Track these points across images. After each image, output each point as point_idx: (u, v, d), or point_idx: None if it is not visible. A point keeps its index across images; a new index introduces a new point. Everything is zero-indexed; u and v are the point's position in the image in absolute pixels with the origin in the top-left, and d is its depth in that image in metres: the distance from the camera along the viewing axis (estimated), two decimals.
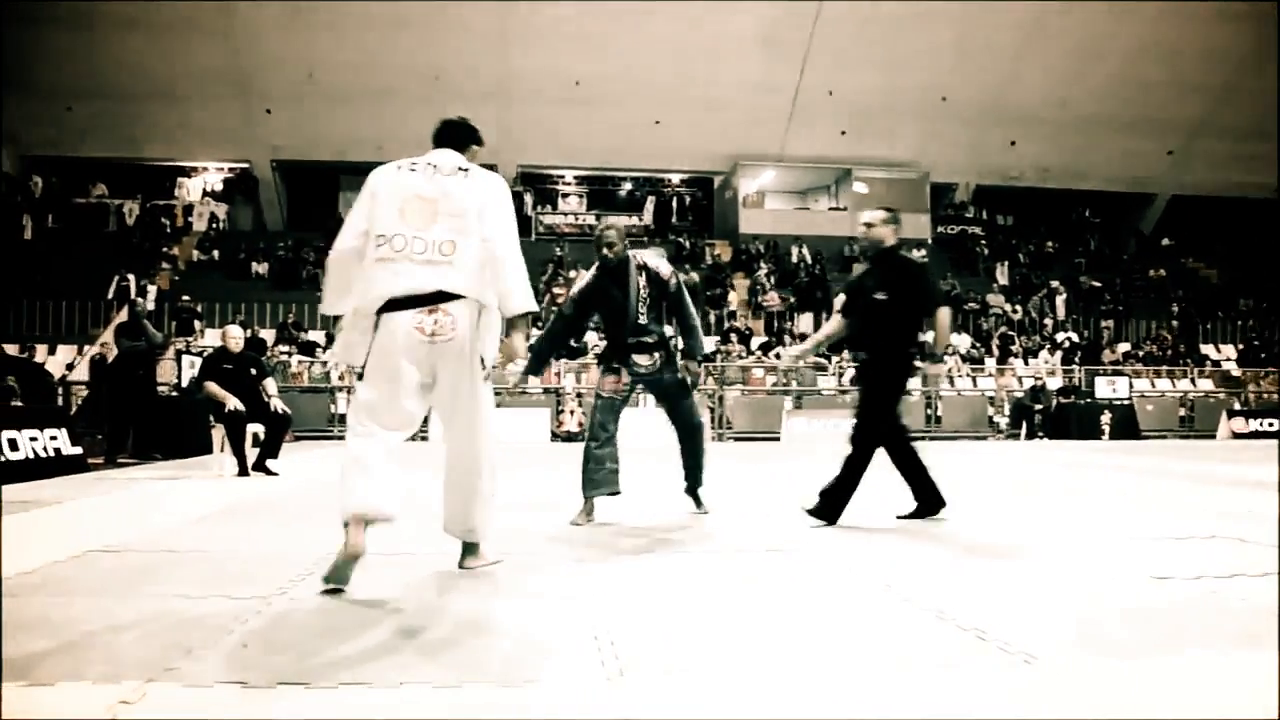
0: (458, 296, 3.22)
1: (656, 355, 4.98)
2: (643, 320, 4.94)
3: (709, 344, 5.73)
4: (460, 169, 3.39)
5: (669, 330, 5.05)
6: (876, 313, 4.95)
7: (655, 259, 5.05)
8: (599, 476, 4.92)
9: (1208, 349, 22.99)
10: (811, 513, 4.90)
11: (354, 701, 2.07)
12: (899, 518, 5.11)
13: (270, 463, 8.03)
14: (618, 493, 4.96)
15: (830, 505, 4.89)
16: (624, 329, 4.96)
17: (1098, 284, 24.67)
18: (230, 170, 26.45)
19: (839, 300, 5.42)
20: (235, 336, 8.33)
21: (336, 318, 3.46)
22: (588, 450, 4.97)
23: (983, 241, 27.00)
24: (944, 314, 4.98)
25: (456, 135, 3.56)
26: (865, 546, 4.22)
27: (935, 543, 4.39)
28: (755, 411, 17.47)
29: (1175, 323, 23.51)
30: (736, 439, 16.77)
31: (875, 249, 5.08)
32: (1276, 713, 2.01)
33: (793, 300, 22.77)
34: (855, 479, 4.93)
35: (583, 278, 5.18)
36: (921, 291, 4.98)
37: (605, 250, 4.92)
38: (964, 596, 3.12)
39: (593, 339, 17.84)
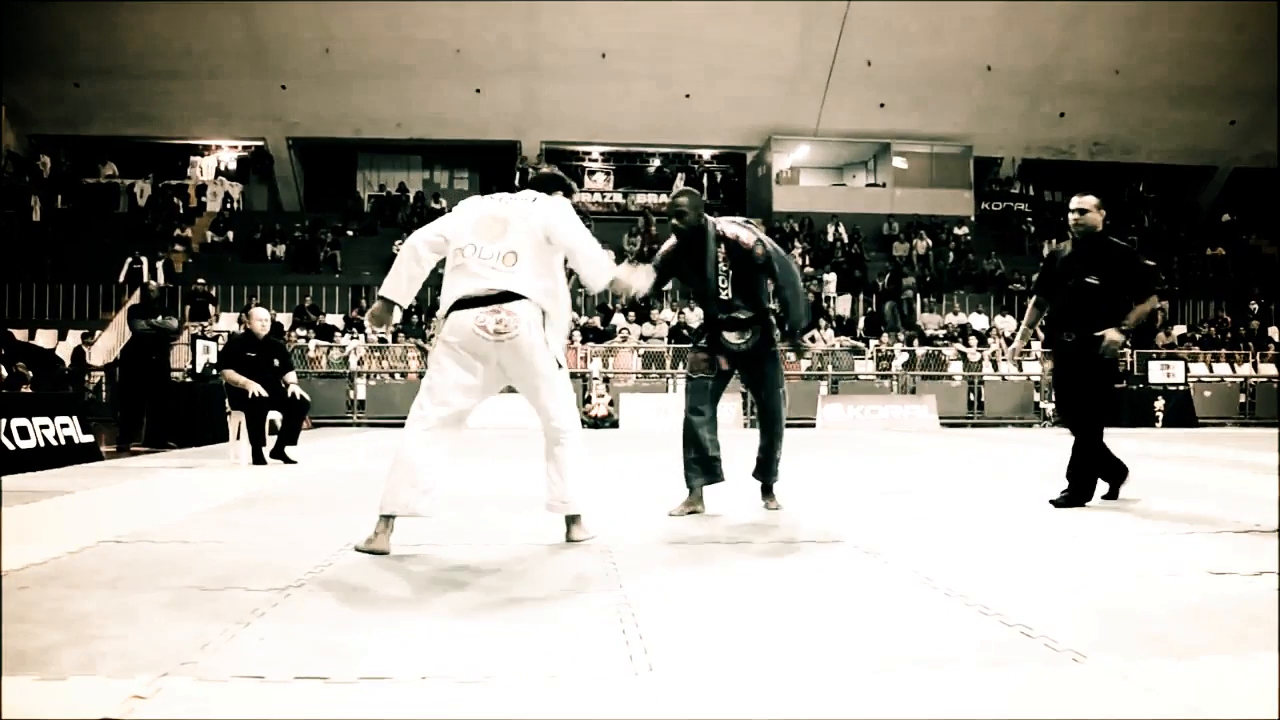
0: (520, 297, 3.69)
1: (749, 332, 4.81)
2: (725, 295, 4.76)
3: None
4: (532, 199, 3.92)
5: (767, 304, 4.87)
6: (1087, 296, 5.31)
7: (737, 227, 4.78)
8: (694, 463, 4.88)
9: (1270, 331, 22.61)
10: (1061, 504, 5.29)
11: (375, 696, 2.08)
12: (1052, 501, 5.40)
13: (289, 450, 8.10)
14: (718, 480, 4.91)
15: (1086, 487, 5.36)
16: (709, 305, 4.84)
17: (1152, 263, 24.30)
18: (245, 149, 26.69)
19: (1036, 282, 5.87)
20: (261, 319, 8.33)
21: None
22: (683, 436, 4.92)
23: (1029, 219, 26.69)
24: (1153, 301, 5.41)
25: (542, 182, 4.11)
26: (905, 540, 4.20)
27: (978, 535, 4.36)
28: (789, 396, 17.39)
29: (1235, 304, 23.14)
30: None
31: (1086, 234, 5.44)
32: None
33: (828, 280, 22.59)
34: (1105, 458, 5.42)
35: (666, 244, 5.00)
36: (1136, 276, 5.34)
37: (676, 221, 4.76)
38: (1008, 591, 3.09)
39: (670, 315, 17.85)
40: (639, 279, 3.99)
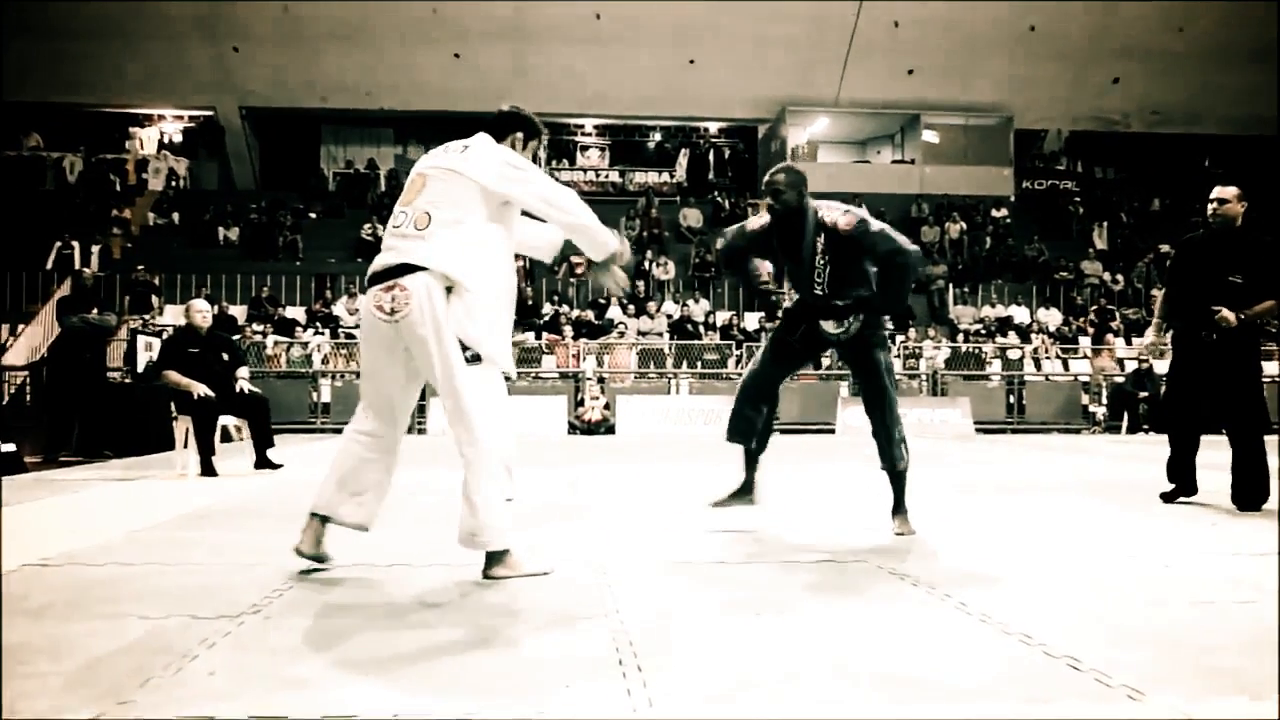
0: (418, 269, 3.48)
1: (849, 320, 4.78)
2: (820, 290, 4.74)
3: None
4: (462, 148, 3.70)
5: (866, 291, 4.81)
6: (1230, 295, 5.77)
7: (837, 213, 4.69)
8: (739, 416, 4.97)
9: None
10: (1244, 506, 5.77)
11: None
12: (1162, 495, 6.19)
13: (271, 454, 8.16)
14: (755, 446, 5.01)
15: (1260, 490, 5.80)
16: (803, 292, 4.84)
17: (1268, 238, 24.22)
18: (192, 119, 26.67)
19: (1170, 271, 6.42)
20: (202, 311, 8.39)
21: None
22: (741, 386, 5.02)
23: (1077, 198, 26.73)
24: None
25: (496, 123, 3.86)
26: (934, 559, 4.20)
27: (1015, 554, 4.35)
28: (805, 399, 17.37)
29: None
30: (784, 431, 16.71)
31: (1225, 226, 5.92)
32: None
33: None
34: (1262, 459, 5.85)
35: (758, 218, 4.98)
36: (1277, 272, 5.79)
37: (772, 200, 4.73)
38: (1051, 617, 3.08)
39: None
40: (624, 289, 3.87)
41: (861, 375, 4.94)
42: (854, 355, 4.91)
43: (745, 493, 5.07)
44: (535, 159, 3.94)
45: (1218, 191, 5.95)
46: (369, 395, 3.77)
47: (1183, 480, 6.18)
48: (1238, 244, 5.89)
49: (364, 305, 3.64)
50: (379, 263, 3.60)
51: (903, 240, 4.63)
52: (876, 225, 4.65)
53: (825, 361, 18.32)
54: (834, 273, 4.71)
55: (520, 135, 3.88)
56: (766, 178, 4.81)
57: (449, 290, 3.53)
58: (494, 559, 3.69)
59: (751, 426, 4.98)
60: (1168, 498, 6.19)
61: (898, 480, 4.89)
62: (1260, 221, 6.33)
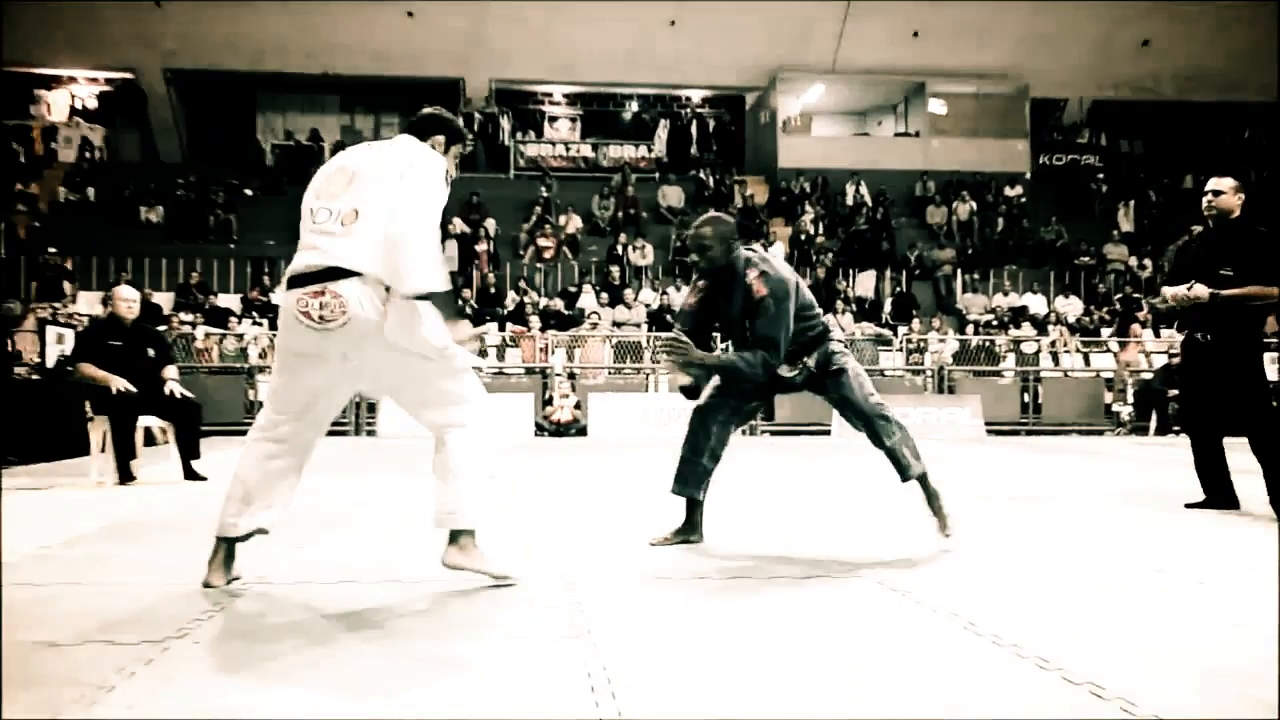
0: (352, 274, 3.54)
1: (801, 362, 4.84)
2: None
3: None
4: (391, 143, 3.86)
5: (817, 328, 4.91)
6: (1220, 289, 5.99)
7: (753, 272, 4.68)
8: (686, 462, 4.97)
9: None
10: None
11: None
12: (1187, 506, 6.38)
13: (196, 464, 8.07)
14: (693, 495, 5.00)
15: None
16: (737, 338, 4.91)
17: (1262, 229, 24.40)
18: (109, 82, 26.40)
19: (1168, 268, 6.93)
20: (127, 300, 8.28)
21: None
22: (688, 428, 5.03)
23: (1100, 175, 26.86)
24: (1273, 292, 5.98)
25: (418, 125, 4.02)
26: (939, 574, 4.21)
27: (1030, 570, 4.38)
28: (800, 400, 17.33)
29: None
30: (777, 433, 16.77)
31: (1220, 219, 6.23)
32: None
33: (844, 254, 22.65)
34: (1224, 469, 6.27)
35: (690, 286, 5.12)
36: (1265, 260, 6.01)
37: (697, 258, 4.79)
38: (1071, 640, 3.10)
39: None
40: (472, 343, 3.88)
41: (836, 401, 4.96)
42: (821, 384, 4.95)
43: (691, 530, 5.00)
44: (457, 168, 4.11)
45: (1213, 183, 6.24)
46: (284, 399, 3.81)
47: (1214, 489, 6.31)
48: (1234, 237, 6.16)
49: (285, 305, 3.69)
50: (301, 263, 3.65)
51: (777, 337, 4.63)
52: (773, 308, 4.62)
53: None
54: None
55: (441, 139, 4.00)
56: (690, 231, 4.87)
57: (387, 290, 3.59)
58: (456, 539, 3.82)
59: (706, 477, 4.98)
60: (1196, 506, 6.33)
61: (922, 483, 4.91)
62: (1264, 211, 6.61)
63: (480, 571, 3.86)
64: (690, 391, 4.87)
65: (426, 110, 4.09)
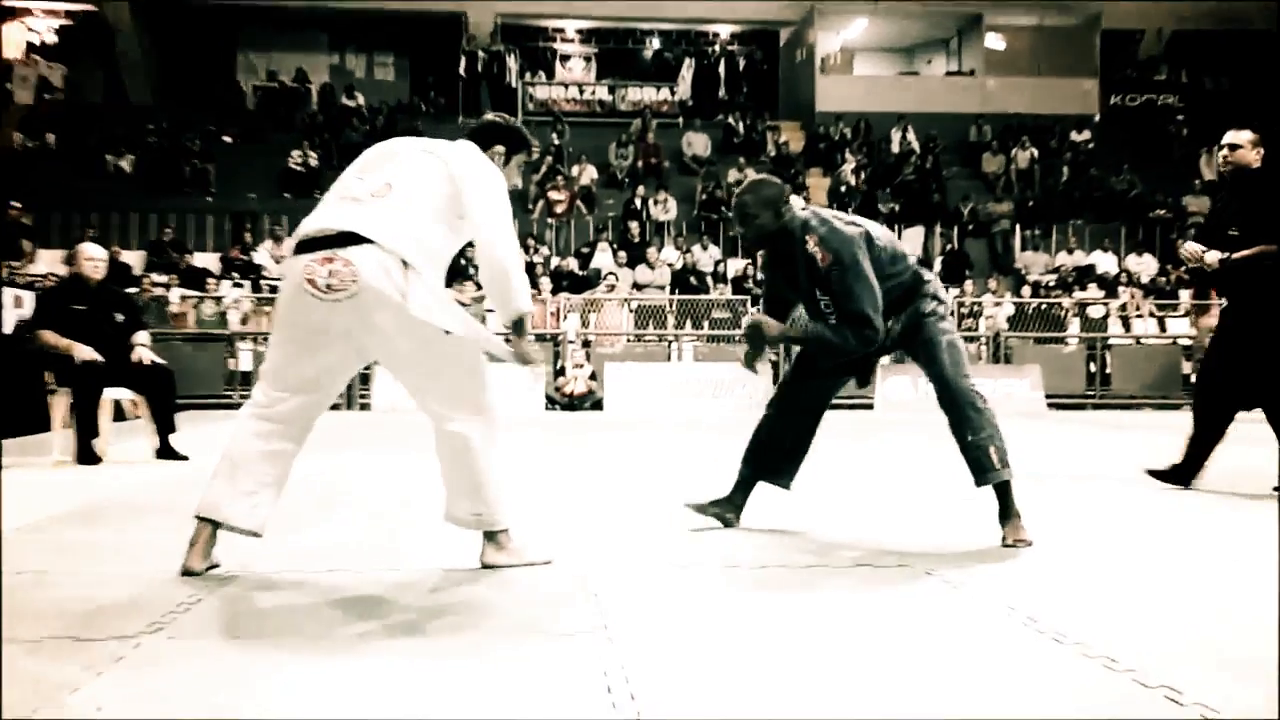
0: (365, 241, 3.60)
1: (888, 323, 4.69)
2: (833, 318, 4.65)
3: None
4: (452, 144, 3.98)
5: (903, 274, 4.80)
6: (1229, 250, 6.09)
7: (812, 237, 4.56)
8: (752, 453, 5.06)
9: None
10: None
11: None
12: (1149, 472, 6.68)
13: (173, 440, 8.05)
14: (778, 482, 5.10)
15: None
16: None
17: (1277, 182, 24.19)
18: (70, 15, 26.33)
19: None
20: (93, 259, 8.25)
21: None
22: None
23: (1180, 117, 26.54)
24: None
25: (480, 132, 4.17)
26: (994, 566, 4.21)
27: (1094, 560, 4.37)
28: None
29: None
30: None
31: (1236, 175, 6.29)
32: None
33: (895, 207, 22.52)
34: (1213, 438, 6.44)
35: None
36: (1272, 214, 6.04)
37: (741, 229, 4.81)
38: (1143, 638, 3.10)
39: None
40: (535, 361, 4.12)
41: (922, 362, 4.84)
42: (907, 344, 4.88)
43: (729, 508, 5.02)
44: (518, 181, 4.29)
45: (1230, 136, 6.31)
46: (282, 373, 3.86)
47: (1188, 462, 6.57)
48: (1249, 194, 6.23)
49: (290, 272, 3.75)
50: (314, 224, 3.72)
51: (863, 310, 4.49)
52: (844, 276, 4.49)
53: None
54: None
55: (502, 149, 4.13)
56: (734, 200, 4.81)
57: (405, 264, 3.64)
58: (494, 538, 4.04)
59: (779, 464, 5.05)
60: (1158, 475, 6.66)
61: (1001, 494, 4.71)
62: None
63: (521, 565, 4.04)
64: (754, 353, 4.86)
65: (489, 117, 4.28)
